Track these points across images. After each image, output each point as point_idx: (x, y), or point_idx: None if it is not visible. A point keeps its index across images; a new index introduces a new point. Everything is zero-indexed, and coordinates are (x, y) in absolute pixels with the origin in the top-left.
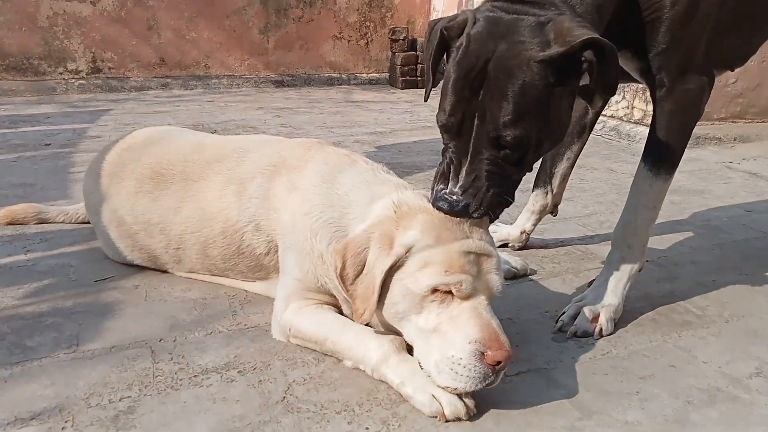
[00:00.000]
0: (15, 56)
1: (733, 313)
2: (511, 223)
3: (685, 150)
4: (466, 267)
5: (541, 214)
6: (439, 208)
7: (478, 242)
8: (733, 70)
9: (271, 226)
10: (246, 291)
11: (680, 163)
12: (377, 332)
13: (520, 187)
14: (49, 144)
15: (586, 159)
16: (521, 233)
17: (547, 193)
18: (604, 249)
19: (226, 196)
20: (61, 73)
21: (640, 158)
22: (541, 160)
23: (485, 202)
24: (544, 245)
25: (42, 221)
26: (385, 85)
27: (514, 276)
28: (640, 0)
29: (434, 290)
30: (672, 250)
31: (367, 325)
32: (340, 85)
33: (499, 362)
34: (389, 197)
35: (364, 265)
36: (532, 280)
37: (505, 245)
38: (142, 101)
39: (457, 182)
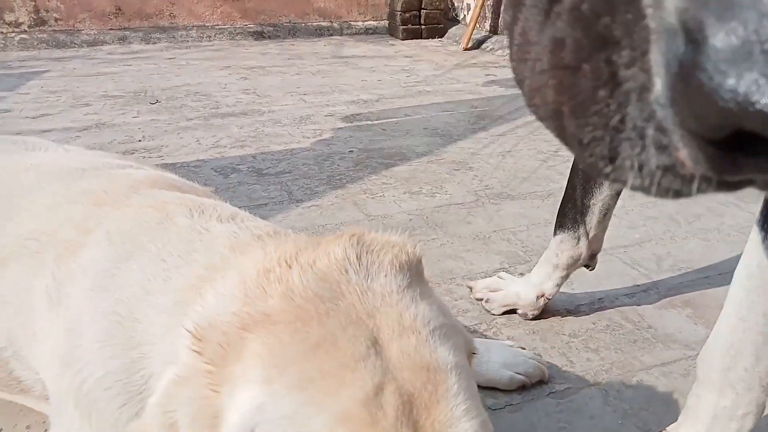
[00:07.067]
0: None
1: None
2: (522, 275)
3: None
4: None
5: (569, 269)
6: None
7: (405, 357)
8: None
9: (35, 358)
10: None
11: None
12: None
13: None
14: None
15: None
16: (538, 297)
17: (578, 239)
18: (671, 316)
19: None
20: None
21: (755, 223)
22: (567, 185)
23: None
24: (571, 310)
25: None
26: (383, 35)
27: (522, 386)
28: None
29: None
30: None
31: None
32: (331, 35)
33: None
34: (185, 322)
35: None
36: (551, 394)
37: (512, 312)
38: (90, 59)
39: None
